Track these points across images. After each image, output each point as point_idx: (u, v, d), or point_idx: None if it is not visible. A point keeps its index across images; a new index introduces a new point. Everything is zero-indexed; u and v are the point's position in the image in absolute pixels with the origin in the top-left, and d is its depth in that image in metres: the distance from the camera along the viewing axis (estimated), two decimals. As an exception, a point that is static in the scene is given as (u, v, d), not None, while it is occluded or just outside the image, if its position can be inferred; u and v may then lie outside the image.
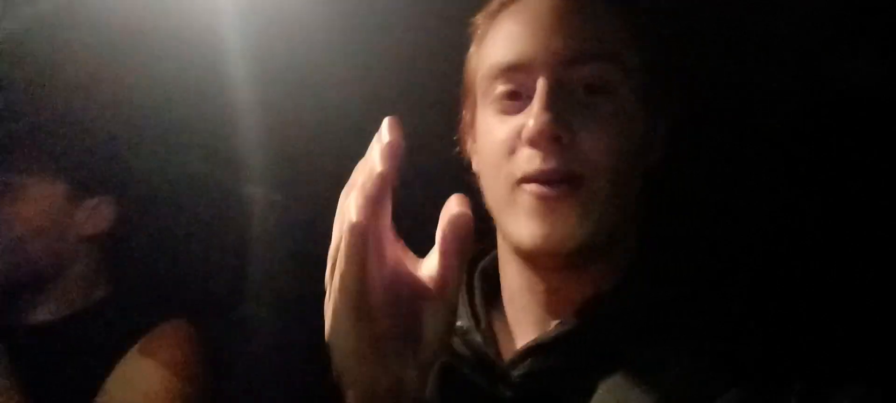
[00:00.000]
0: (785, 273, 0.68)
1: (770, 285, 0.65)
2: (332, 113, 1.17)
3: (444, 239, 0.44)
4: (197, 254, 1.29)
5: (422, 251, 0.49)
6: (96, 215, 1.10)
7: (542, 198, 0.61)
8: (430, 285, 0.45)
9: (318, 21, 1.11)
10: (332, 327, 0.45)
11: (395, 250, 0.47)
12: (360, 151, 0.48)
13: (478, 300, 0.73)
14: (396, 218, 0.47)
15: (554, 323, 0.66)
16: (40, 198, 1.06)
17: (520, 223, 0.63)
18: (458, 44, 0.77)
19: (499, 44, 0.68)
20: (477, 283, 0.75)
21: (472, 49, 0.74)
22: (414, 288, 0.46)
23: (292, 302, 1.26)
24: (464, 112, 0.76)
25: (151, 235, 1.21)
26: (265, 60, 1.14)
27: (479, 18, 0.74)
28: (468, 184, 0.74)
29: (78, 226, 1.09)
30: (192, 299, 1.20)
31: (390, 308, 0.45)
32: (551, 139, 0.61)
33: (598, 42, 0.64)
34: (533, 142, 0.62)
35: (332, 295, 0.45)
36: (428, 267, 0.46)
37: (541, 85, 0.62)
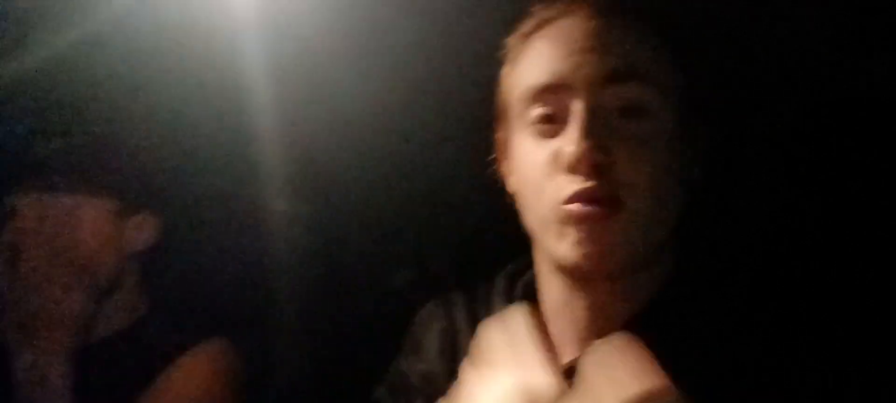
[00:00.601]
0: (822, 277, 0.67)
1: (809, 291, 0.65)
2: (357, 125, 1.18)
3: None
4: (227, 267, 1.30)
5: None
6: (143, 230, 1.11)
7: (586, 217, 0.61)
8: None
9: (343, 39, 1.13)
10: None
11: None
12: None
13: None
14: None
15: (596, 341, 0.65)
16: (95, 216, 1.06)
17: (563, 242, 0.63)
18: (476, 54, 0.77)
19: (533, 65, 0.67)
20: (519, 296, 0.75)
21: (506, 69, 0.74)
22: None
23: (320, 310, 1.27)
24: (499, 133, 0.77)
25: (186, 249, 1.23)
26: (290, 78, 1.16)
27: (513, 39, 0.74)
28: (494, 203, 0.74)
29: (128, 242, 1.10)
30: (225, 313, 1.21)
31: None
32: (589, 164, 0.61)
33: (633, 63, 0.64)
34: (571, 169, 0.62)
35: None
36: None
37: (577, 108, 0.62)
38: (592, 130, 0.61)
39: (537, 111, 0.66)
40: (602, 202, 0.61)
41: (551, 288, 0.71)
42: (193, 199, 1.23)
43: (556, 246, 0.65)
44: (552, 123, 0.65)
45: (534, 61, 0.68)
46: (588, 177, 0.61)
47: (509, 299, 0.75)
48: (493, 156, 0.79)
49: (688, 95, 0.67)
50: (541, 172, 0.65)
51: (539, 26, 0.70)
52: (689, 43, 0.71)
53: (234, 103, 1.18)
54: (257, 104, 1.17)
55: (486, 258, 0.83)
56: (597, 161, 0.61)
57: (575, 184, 0.62)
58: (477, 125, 0.81)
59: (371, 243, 1.27)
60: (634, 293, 0.67)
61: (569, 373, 0.64)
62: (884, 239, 0.81)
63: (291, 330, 1.32)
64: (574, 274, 0.66)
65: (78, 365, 1.01)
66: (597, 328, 0.67)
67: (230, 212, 1.31)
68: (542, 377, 0.61)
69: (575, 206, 0.62)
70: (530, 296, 0.75)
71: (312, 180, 1.27)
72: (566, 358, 0.69)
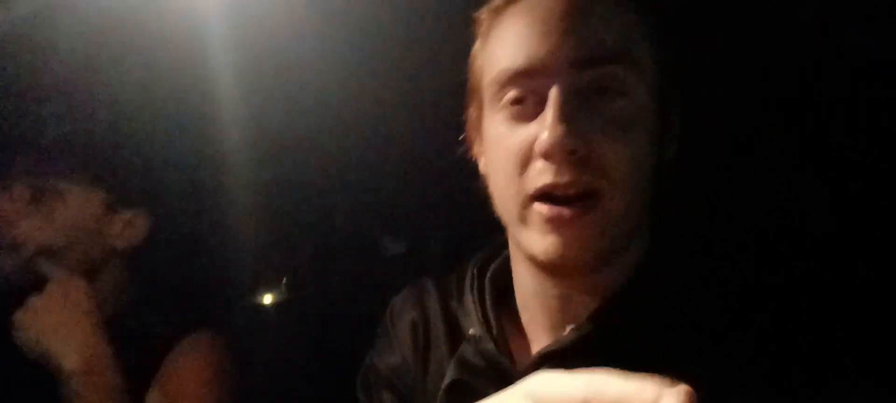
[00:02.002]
0: (798, 269, 0.65)
1: (784, 281, 0.63)
2: (336, 106, 1.17)
3: None
4: (217, 256, 1.30)
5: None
6: (130, 228, 1.11)
7: (556, 218, 0.59)
8: None
9: (316, 15, 1.11)
10: None
11: None
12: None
13: (489, 305, 0.72)
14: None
15: (569, 328, 0.64)
16: (80, 206, 1.07)
17: (533, 238, 0.61)
18: (453, 40, 0.74)
19: (506, 46, 0.64)
20: (488, 287, 0.74)
21: (477, 45, 0.71)
22: None
23: (310, 291, 1.27)
24: (470, 111, 0.74)
25: (175, 246, 1.22)
26: (266, 64, 1.15)
27: (484, 14, 0.70)
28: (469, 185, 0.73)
29: (112, 237, 1.10)
30: (209, 305, 1.21)
31: None
32: (565, 151, 0.58)
33: (609, 42, 0.61)
34: (546, 156, 0.59)
35: None
36: None
37: (553, 93, 0.60)
38: (568, 115, 0.58)
39: (510, 94, 0.63)
40: (576, 200, 0.59)
41: (523, 276, 0.70)
42: (181, 194, 1.23)
43: (525, 238, 0.63)
44: (526, 107, 0.63)
45: (506, 42, 0.65)
46: (562, 167, 0.59)
47: (480, 290, 0.74)
48: (464, 135, 0.76)
49: (664, 75, 0.65)
50: (513, 159, 0.62)
51: (510, 1, 0.67)
52: (666, 19, 0.68)
53: (216, 95, 1.17)
54: (238, 96, 1.17)
55: (473, 231, 0.81)
56: (573, 147, 0.58)
57: (546, 175, 0.59)
58: (453, 100, 0.78)
59: (356, 224, 1.26)
60: (607, 281, 0.65)
61: (539, 362, 0.63)
62: (862, 227, 0.80)
63: (278, 319, 1.31)
64: (544, 268, 0.65)
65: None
66: (568, 316, 0.66)
67: (216, 206, 1.30)
68: None
69: (545, 207, 0.60)
70: (502, 284, 0.74)
71: (299, 165, 1.26)
72: (538, 345, 0.68)
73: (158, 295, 1.16)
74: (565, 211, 0.59)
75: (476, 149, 0.74)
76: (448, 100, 0.78)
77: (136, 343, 1.05)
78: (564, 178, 0.59)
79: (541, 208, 0.60)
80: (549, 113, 0.59)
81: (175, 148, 1.20)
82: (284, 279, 1.34)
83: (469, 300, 0.74)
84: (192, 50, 1.13)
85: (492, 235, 0.75)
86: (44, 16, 1.13)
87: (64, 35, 1.15)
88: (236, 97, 1.15)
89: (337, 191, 1.26)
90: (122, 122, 1.14)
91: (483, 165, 0.72)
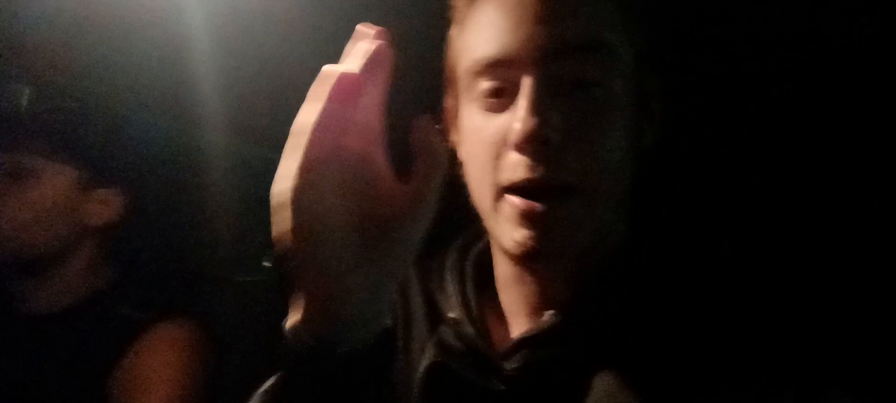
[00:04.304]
0: (777, 257, 0.67)
1: (762, 269, 0.64)
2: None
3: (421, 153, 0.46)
4: (196, 238, 1.29)
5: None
6: (105, 206, 1.11)
7: (528, 213, 0.59)
8: (402, 198, 0.45)
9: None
10: (281, 173, 0.44)
11: (377, 148, 0.48)
12: None
13: (469, 288, 0.72)
14: None
15: (548, 313, 0.64)
16: (52, 183, 1.06)
17: (505, 230, 0.61)
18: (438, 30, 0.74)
19: (481, 35, 0.63)
20: (469, 270, 0.74)
21: (453, 31, 0.70)
22: (382, 185, 0.47)
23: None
24: (447, 99, 0.73)
25: (155, 224, 1.21)
26: (253, 43, 1.13)
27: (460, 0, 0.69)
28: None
29: (85, 216, 1.09)
30: (196, 283, 1.20)
31: (353, 185, 0.45)
32: (538, 144, 0.58)
33: (584, 31, 0.60)
34: (519, 148, 0.59)
35: (293, 135, 0.44)
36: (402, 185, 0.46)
37: (526, 83, 0.59)
38: (541, 106, 0.58)
39: (485, 84, 0.62)
40: (548, 194, 0.59)
41: (502, 263, 0.70)
42: (161, 177, 1.22)
43: (498, 230, 0.63)
44: (501, 97, 0.62)
45: (481, 30, 0.63)
46: (536, 159, 0.58)
47: (461, 275, 0.74)
48: (441, 125, 0.76)
49: (642, 62, 0.64)
50: (486, 150, 0.62)
51: None
52: (644, 6, 0.67)
53: (196, 76, 1.16)
54: (217, 76, 1.16)
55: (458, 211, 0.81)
56: (546, 138, 0.57)
57: (519, 169, 0.59)
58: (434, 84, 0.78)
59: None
60: (584, 267, 0.65)
61: (518, 347, 0.64)
62: (844, 219, 0.81)
63: (258, 301, 1.31)
64: (518, 260, 0.65)
65: (31, 335, 1.03)
66: (546, 301, 0.66)
67: (196, 187, 1.29)
68: None
69: (517, 199, 0.59)
70: (482, 269, 0.74)
71: (276, 148, 1.25)
72: (517, 330, 0.68)
73: (135, 276, 1.15)
74: (538, 206, 0.59)
75: (453, 138, 0.74)
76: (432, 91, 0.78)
77: (111, 326, 1.04)
78: (538, 173, 0.58)
79: (513, 200, 0.60)
80: (522, 103, 0.58)
81: (153, 128, 1.20)
82: (264, 261, 1.33)
83: (449, 283, 0.74)
84: (172, 29, 1.11)
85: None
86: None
87: (43, 11, 1.12)
88: (215, 78, 1.14)
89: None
90: (99, 101, 1.14)
91: (459, 154, 0.72)
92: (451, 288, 0.73)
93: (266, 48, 1.14)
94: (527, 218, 0.59)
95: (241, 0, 1.09)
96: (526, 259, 0.62)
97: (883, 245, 0.76)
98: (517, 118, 0.58)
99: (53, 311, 1.07)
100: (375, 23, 0.45)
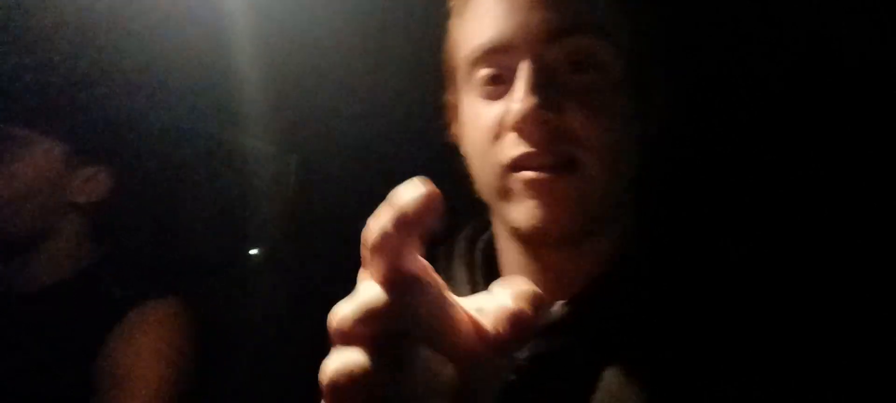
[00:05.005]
0: (786, 254, 0.67)
1: (770, 267, 0.64)
2: (329, 69, 1.15)
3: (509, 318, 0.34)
4: (190, 221, 1.28)
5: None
6: (91, 184, 1.09)
7: (535, 183, 0.60)
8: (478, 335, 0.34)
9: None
10: None
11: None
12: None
13: (479, 277, 0.73)
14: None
15: (557, 304, 0.65)
16: (38, 158, 1.04)
17: (515, 208, 0.62)
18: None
19: (477, 23, 0.64)
20: (478, 258, 0.74)
21: (452, 22, 0.71)
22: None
23: (288, 260, 1.26)
24: (448, 92, 0.74)
25: (144, 205, 1.20)
26: (257, 18, 1.12)
27: None
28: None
29: (71, 192, 1.08)
30: (184, 266, 1.19)
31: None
32: (537, 123, 0.59)
33: (580, 14, 0.61)
34: (518, 128, 0.60)
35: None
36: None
37: (523, 67, 0.60)
38: (539, 87, 0.59)
39: (483, 72, 0.64)
40: (552, 167, 0.60)
41: (508, 251, 0.71)
42: (151, 159, 1.20)
43: (506, 211, 0.63)
44: (499, 84, 0.63)
45: (477, 19, 0.64)
46: (535, 138, 0.59)
47: (470, 263, 0.74)
48: (444, 119, 0.76)
49: (641, 46, 0.65)
50: (488, 135, 0.63)
51: None
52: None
53: (199, 44, 1.15)
54: (232, 51, 1.14)
55: (466, 205, 0.81)
56: (545, 119, 0.59)
57: (520, 146, 0.60)
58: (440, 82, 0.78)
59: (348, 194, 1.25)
60: (592, 256, 0.66)
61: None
62: (856, 219, 0.81)
63: (257, 270, 1.30)
64: (528, 240, 0.65)
65: (15, 314, 1.02)
66: (554, 290, 0.66)
67: (189, 158, 1.28)
68: None
69: (523, 173, 0.60)
70: (490, 258, 0.74)
71: (281, 122, 1.25)
72: (525, 321, 0.68)
73: (121, 257, 1.14)
74: (544, 176, 0.60)
75: (454, 131, 0.74)
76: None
77: (97, 304, 1.04)
78: (539, 147, 0.59)
79: (519, 175, 0.61)
80: (520, 85, 0.59)
81: (146, 111, 1.17)
82: (255, 251, 1.32)
83: (459, 270, 0.74)
84: (168, 12, 1.10)
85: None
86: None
87: None
88: (213, 65, 1.13)
89: (315, 161, 1.24)
90: (92, 79, 1.11)
91: (462, 146, 0.72)
92: (460, 274, 0.74)
93: (267, 38, 1.13)
94: (535, 189, 0.60)
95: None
96: (536, 236, 0.63)
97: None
98: (515, 99, 0.59)
99: (38, 289, 1.06)
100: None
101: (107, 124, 1.10)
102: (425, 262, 0.35)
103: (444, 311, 0.34)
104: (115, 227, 1.15)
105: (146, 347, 1.01)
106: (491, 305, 0.35)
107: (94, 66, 1.13)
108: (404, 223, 0.32)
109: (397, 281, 0.33)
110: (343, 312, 0.33)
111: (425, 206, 0.32)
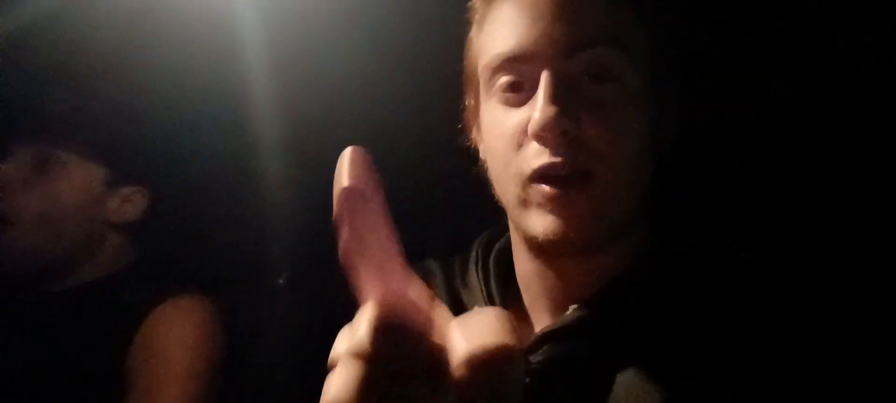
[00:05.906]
0: (800, 260, 0.67)
1: (784, 272, 0.64)
2: (345, 89, 1.17)
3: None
4: (219, 237, 1.31)
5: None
6: (128, 204, 1.12)
7: (553, 197, 0.61)
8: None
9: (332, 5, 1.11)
10: None
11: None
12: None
13: (494, 284, 0.74)
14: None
15: (571, 308, 0.65)
16: (79, 179, 1.07)
17: (532, 219, 0.63)
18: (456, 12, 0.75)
19: (499, 32, 0.66)
20: (492, 266, 0.75)
21: (472, 32, 0.73)
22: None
23: (309, 276, 1.27)
24: (468, 99, 0.75)
25: (177, 223, 1.22)
26: (280, 44, 1.15)
27: (477, 0, 0.72)
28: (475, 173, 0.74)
29: (109, 212, 1.10)
30: (212, 279, 1.21)
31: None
32: (556, 133, 0.60)
33: (600, 26, 0.62)
34: (538, 138, 0.61)
35: None
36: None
37: (544, 77, 0.61)
38: (559, 98, 0.60)
39: (504, 80, 0.65)
40: (569, 180, 0.61)
41: (523, 259, 0.71)
42: (185, 165, 1.23)
43: (524, 220, 0.64)
44: (519, 92, 0.64)
45: (499, 27, 0.66)
46: (555, 148, 0.61)
47: (484, 270, 0.75)
48: (463, 124, 0.78)
49: (657, 57, 0.66)
50: (508, 143, 0.64)
51: None
52: (658, 3, 0.69)
53: (227, 68, 1.17)
54: (251, 72, 1.18)
55: (477, 218, 0.82)
56: (563, 128, 0.60)
57: (542, 156, 0.61)
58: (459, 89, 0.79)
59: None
60: (606, 264, 0.66)
61: (542, 341, 0.65)
62: (868, 225, 0.80)
63: (282, 291, 1.31)
64: (543, 249, 0.66)
65: (43, 314, 1.04)
66: (569, 298, 0.67)
67: (220, 177, 1.31)
68: None
69: (546, 188, 0.61)
70: (504, 266, 0.75)
71: (305, 143, 1.27)
72: (540, 325, 0.69)
73: (151, 263, 1.16)
74: (561, 191, 0.61)
75: (474, 136, 0.76)
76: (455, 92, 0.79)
77: (124, 301, 1.05)
78: (559, 158, 0.60)
79: (540, 188, 0.62)
80: (540, 96, 0.61)
81: (177, 130, 1.20)
82: (283, 275, 1.34)
83: (474, 279, 0.75)
84: (209, 36, 1.13)
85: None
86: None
87: (83, 11, 1.14)
88: (256, 90, 1.16)
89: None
90: (130, 102, 1.14)
91: (482, 151, 0.74)
92: (475, 282, 0.75)
93: (306, 54, 1.15)
94: (553, 204, 0.61)
95: (277, 4, 1.11)
96: (552, 247, 0.64)
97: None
98: (536, 109, 0.60)
99: (66, 288, 1.08)
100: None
101: (143, 147, 1.13)
102: (422, 287, 0.34)
103: (434, 347, 0.32)
104: (147, 244, 1.18)
105: (175, 339, 1.02)
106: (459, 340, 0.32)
107: (132, 91, 1.16)
108: (347, 194, 0.33)
109: (382, 327, 0.31)
110: (336, 349, 0.33)
111: (352, 164, 0.34)
